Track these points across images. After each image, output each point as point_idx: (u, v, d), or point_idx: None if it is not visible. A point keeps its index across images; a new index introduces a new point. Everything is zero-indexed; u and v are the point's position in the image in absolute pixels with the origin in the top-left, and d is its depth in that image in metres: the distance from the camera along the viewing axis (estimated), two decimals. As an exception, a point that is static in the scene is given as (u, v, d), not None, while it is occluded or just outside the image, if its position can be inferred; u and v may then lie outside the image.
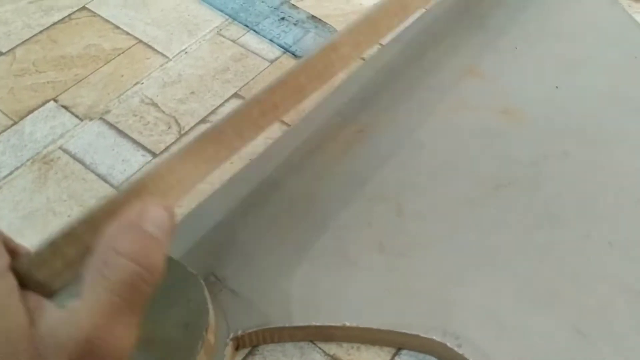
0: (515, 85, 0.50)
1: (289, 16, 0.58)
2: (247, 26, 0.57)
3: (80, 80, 0.53)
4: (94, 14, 0.58)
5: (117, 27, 0.57)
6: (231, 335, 0.36)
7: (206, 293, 0.36)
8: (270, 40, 0.56)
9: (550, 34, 0.54)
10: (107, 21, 0.58)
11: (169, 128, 0.49)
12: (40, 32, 0.56)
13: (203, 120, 0.50)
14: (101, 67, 0.54)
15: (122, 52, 0.55)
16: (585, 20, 0.56)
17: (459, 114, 0.48)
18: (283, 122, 0.48)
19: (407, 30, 0.55)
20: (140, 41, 0.56)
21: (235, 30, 0.57)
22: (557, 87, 0.50)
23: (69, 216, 0.44)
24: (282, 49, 0.55)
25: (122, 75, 0.53)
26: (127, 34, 0.56)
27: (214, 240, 0.41)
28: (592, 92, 0.50)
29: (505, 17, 0.56)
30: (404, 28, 0.54)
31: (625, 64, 0.52)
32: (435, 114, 0.48)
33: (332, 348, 0.38)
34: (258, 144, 0.46)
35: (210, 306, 0.36)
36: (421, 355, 0.38)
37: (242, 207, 0.43)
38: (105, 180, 0.46)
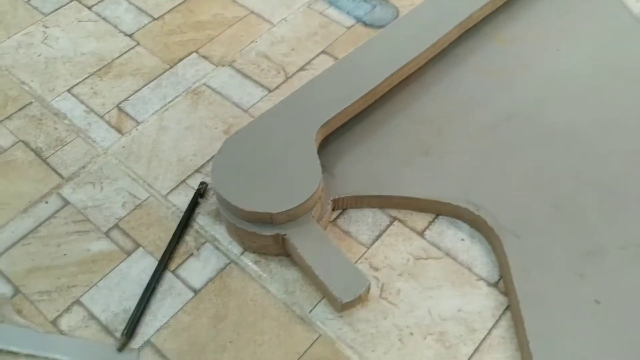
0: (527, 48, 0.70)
1: (361, -5, 0.78)
2: (330, 2, 0.77)
3: (212, 39, 0.74)
4: (217, -9, 0.79)
5: (235, 2, 0.78)
6: (331, 198, 0.58)
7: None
8: (347, 12, 0.76)
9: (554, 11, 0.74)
10: (227, -3, 0.79)
11: (278, 73, 0.70)
12: (180, 4, 0.78)
13: (302, 69, 0.71)
14: (226, 30, 0.75)
15: (240, 20, 0.76)
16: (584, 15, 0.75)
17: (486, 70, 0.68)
18: (359, 71, 0.69)
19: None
20: (252, 12, 0.77)
21: (320, 5, 0.77)
22: (557, 49, 0.70)
23: (215, 128, 0.66)
24: (356, 19, 0.75)
25: (242, 36, 0.74)
26: (243, 6, 0.77)
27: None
28: (587, 54, 0.69)
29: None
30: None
31: (613, 35, 0.71)
32: (467, 67, 0.68)
33: (394, 212, 0.59)
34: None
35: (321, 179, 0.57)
36: (452, 220, 0.58)
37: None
38: (238, 106, 0.67)
